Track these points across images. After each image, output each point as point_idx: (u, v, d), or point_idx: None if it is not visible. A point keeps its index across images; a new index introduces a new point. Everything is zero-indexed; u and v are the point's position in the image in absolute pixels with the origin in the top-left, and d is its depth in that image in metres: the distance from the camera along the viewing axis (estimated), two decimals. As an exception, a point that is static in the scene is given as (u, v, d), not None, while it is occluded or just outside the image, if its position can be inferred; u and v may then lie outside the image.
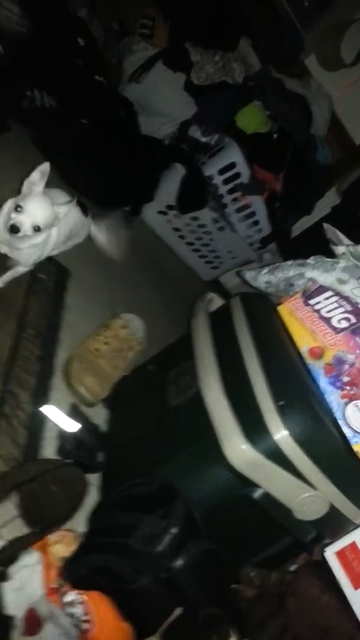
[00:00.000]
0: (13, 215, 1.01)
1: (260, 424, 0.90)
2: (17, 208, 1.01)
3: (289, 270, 1.20)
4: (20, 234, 1.02)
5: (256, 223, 2.42)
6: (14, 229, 1.00)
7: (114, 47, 2.26)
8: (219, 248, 2.48)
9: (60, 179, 1.85)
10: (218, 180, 2.34)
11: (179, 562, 0.78)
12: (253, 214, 2.39)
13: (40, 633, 0.79)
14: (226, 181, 2.33)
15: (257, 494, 0.90)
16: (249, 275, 1.25)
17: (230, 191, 2.36)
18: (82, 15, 1.99)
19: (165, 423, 1.04)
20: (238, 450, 0.88)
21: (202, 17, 2.33)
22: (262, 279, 1.22)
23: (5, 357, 1.09)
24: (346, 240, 1.22)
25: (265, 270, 1.23)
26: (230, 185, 2.33)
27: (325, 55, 2.73)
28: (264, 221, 2.42)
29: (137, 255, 2.05)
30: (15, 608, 0.78)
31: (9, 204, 1.05)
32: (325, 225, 1.29)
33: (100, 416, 1.22)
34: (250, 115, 2.40)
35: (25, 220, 1.01)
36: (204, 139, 2.41)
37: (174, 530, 0.80)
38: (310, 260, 1.21)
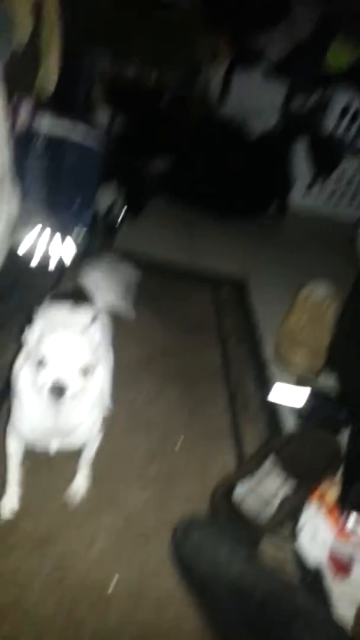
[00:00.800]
0: (43, 375, 0.66)
1: None
2: (40, 363, 0.66)
3: None
4: (68, 393, 0.66)
5: None
6: (58, 392, 0.65)
7: (194, 85, 2.45)
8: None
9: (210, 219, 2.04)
10: (342, 129, 2.28)
11: None
12: None
13: (352, 570, 0.82)
14: (349, 125, 2.26)
15: None
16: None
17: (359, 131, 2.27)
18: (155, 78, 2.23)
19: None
20: None
21: (248, 5, 2.38)
22: None
23: (219, 367, 1.22)
24: None
25: None
26: (356, 126, 2.24)
27: None
28: None
29: (303, 237, 2.09)
30: (317, 558, 0.83)
31: (21, 370, 0.71)
32: None
33: (328, 380, 1.24)
34: (337, 53, 2.30)
35: (65, 371, 0.66)
36: (309, 102, 2.38)
37: None
38: None
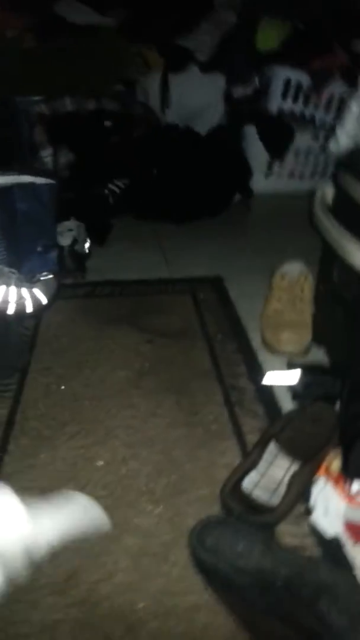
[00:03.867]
0: None
1: None
2: None
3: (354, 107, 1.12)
4: None
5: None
6: None
7: (132, 101, 2.48)
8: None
9: (177, 226, 2.06)
10: (288, 105, 2.30)
11: None
12: (341, 99, 2.24)
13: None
14: (295, 98, 2.28)
15: None
16: (332, 147, 1.20)
17: (305, 101, 2.29)
18: (92, 106, 2.27)
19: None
20: None
21: (166, 12, 2.41)
22: (342, 139, 1.16)
23: (210, 364, 1.24)
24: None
25: (340, 129, 1.17)
26: (301, 98, 2.27)
27: None
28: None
29: (271, 221, 2.11)
30: (333, 529, 0.84)
31: None
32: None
33: (319, 355, 1.26)
34: (265, 34, 2.32)
35: None
36: (249, 89, 2.40)
37: None
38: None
